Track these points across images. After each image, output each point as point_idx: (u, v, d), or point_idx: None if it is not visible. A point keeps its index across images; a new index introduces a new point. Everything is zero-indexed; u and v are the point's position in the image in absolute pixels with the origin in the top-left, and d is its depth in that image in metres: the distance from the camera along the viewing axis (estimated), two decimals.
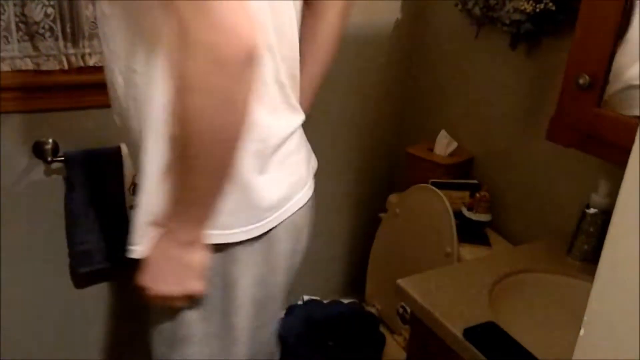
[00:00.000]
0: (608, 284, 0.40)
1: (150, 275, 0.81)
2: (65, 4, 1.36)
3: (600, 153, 1.03)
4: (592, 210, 1.18)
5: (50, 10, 1.35)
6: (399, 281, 1.13)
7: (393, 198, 1.78)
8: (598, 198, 1.17)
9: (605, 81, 0.98)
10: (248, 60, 0.64)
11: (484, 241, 1.53)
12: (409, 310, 1.18)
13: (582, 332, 0.40)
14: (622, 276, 0.38)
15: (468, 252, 1.48)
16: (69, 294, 1.63)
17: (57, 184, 1.49)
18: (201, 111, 0.65)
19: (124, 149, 1.46)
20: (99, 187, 1.48)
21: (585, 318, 0.40)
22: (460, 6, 1.55)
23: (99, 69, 1.44)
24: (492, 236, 1.56)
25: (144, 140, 0.79)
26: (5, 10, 1.32)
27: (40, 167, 1.46)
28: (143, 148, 0.79)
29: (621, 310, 0.38)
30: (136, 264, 0.83)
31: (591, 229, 1.19)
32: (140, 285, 0.83)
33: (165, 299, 0.83)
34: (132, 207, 1.50)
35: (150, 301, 0.85)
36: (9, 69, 1.36)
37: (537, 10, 1.31)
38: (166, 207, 0.77)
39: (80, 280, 1.63)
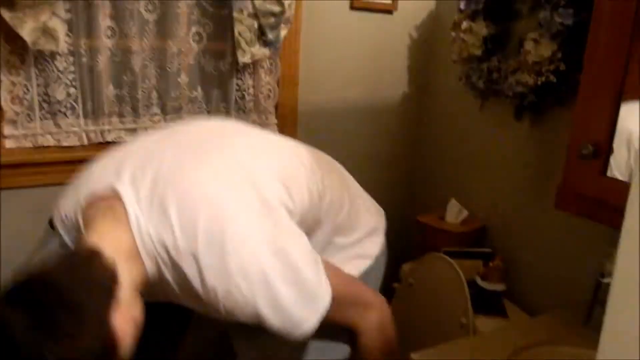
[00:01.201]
0: (612, 346, 0.39)
1: None
2: (87, 84, 1.43)
3: (609, 221, 1.03)
4: (606, 280, 1.17)
5: (72, 90, 1.42)
6: (413, 355, 1.11)
7: (406, 267, 1.77)
8: (611, 266, 1.15)
9: (610, 149, 1.00)
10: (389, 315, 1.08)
11: (499, 311, 1.50)
12: None
13: None
14: (624, 339, 0.38)
15: (484, 323, 1.44)
16: None
17: None
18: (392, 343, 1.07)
19: None
20: None
21: None
22: (464, 80, 1.61)
23: (116, 144, 1.49)
24: (508, 306, 1.53)
25: None
26: (29, 90, 1.39)
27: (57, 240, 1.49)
28: None
29: None
30: None
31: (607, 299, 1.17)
32: None
33: None
34: None
35: None
36: (31, 145, 1.42)
37: (539, 82, 1.35)
38: None
39: None
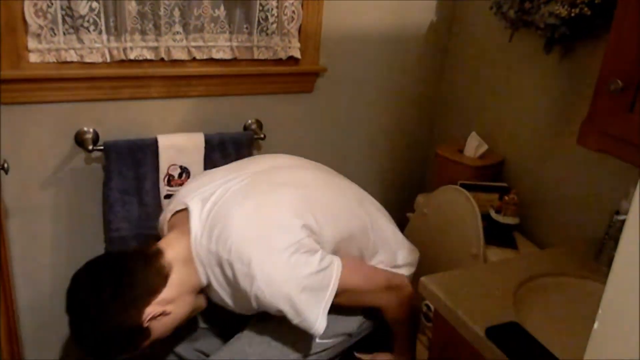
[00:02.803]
0: (622, 280, 0.41)
1: None
2: (109, 0, 1.41)
3: (631, 159, 1.02)
4: (621, 217, 1.18)
5: (95, 4, 1.41)
6: (423, 279, 1.15)
7: (421, 198, 1.79)
8: (628, 204, 1.16)
9: (639, 86, 0.98)
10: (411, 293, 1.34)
11: (511, 244, 1.53)
12: (432, 308, 1.19)
13: (596, 325, 0.42)
14: (634, 274, 0.39)
15: (494, 254, 1.48)
16: None
17: (96, 172, 1.55)
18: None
19: (161, 140, 1.51)
20: (135, 176, 1.53)
21: (599, 312, 0.42)
22: (495, 9, 1.55)
23: (139, 62, 1.50)
24: (520, 239, 1.56)
25: None
26: (52, 4, 1.38)
27: (81, 155, 1.53)
28: None
29: (633, 305, 0.39)
30: None
31: (619, 236, 1.18)
32: None
33: None
34: (166, 196, 1.56)
35: None
36: (55, 60, 1.42)
37: (573, 14, 1.30)
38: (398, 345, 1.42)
39: None
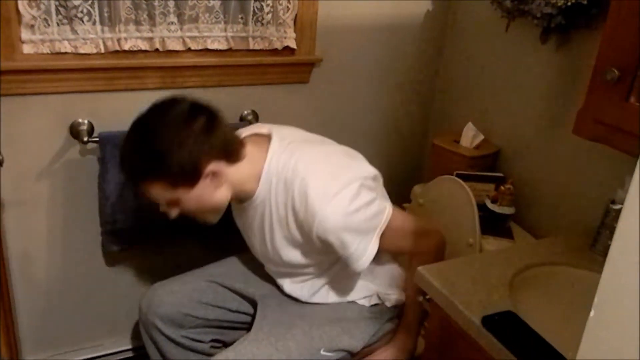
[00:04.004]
0: (618, 268, 0.41)
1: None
2: None
3: (626, 148, 1.02)
4: (617, 206, 1.18)
5: None
6: (420, 268, 1.15)
7: (417, 188, 1.79)
8: (623, 194, 1.17)
9: (635, 75, 0.98)
10: (443, 242, 1.37)
11: (506, 234, 1.53)
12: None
13: (592, 313, 0.42)
14: (630, 261, 0.40)
15: (490, 244, 1.48)
16: (100, 271, 1.69)
17: (92, 163, 1.54)
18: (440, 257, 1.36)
19: None
20: None
21: (595, 300, 0.42)
22: None
23: (134, 53, 1.49)
24: (516, 229, 1.56)
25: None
26: None
27: (76, 147, 1.52)
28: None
29: (629, 293, 0.40)
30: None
31: (615, 225, 1.19)
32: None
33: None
34: None
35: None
36: (49, 52, 1.41)
37: (569, 3, 1.30)
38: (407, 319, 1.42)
39: (111, 258, 1.69)
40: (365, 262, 1.24)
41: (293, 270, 1.36)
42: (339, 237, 1.19)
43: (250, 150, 1.26)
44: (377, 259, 1.29)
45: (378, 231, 1.23)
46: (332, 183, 1.19)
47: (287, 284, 1.42)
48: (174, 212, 1.24)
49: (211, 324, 1.47)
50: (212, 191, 1.21)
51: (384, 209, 1.24)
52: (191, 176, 1.17)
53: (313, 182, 1.18)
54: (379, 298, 1.42)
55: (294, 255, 1.30)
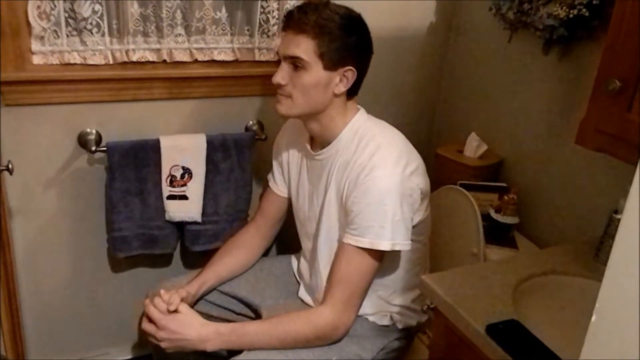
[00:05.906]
0: (619, 272, 0.42)
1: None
2: (112, 2, 1.42)
3: (629, 158, 1.03)
4: (619, 216, 1.19)
5: (98, 7, 1.42)
6: (423, 277, 1.16)
7: None
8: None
9: (636, 86, 0.99)
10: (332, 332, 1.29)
11: (510, 243, 1.54)
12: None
13: (593, 318, 0.43)
14: (630, 266, 0.40)
15: (494, 253, 1.49)
16: (106, 278, 1.71)
17: (99, 172, 1.56)
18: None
19: (163, 141, 1.53)
20: (138, 177, 1.54)
21: (597, 305, 0.43)
22: (494, 10, 1.57)
23: (142, 64, 1.51)
24: (519, 239, 1.57)
25: None
26: (55, 6, 1.39)
27: (84, 156, 1.54)
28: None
29: (630, 299, 0.40)
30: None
31: None
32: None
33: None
34: (168, 197, 1.57)
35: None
36: (58, 63, 1.43)
37: (571, 15, 1.31)
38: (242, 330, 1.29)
39: (117, 264, 1.70)
40: (386, 245, 1.23)
41: (325, 248, 1.37)
42: (382, 199, 1.21)
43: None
44: (396, 282, 1.34)
45: (409, 224, 1.25)
46: (403, 156, 1.26)
47: (302, 290, 1.45)
48: (282, 94, 1.33)
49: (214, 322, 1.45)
50: (326, 92, 1.26)
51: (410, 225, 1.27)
52: (336, 60, 1.24)
53: (386, 149, 1.25)
54: (392, 319, 1.40)
55: (334, 218, 1.33)
